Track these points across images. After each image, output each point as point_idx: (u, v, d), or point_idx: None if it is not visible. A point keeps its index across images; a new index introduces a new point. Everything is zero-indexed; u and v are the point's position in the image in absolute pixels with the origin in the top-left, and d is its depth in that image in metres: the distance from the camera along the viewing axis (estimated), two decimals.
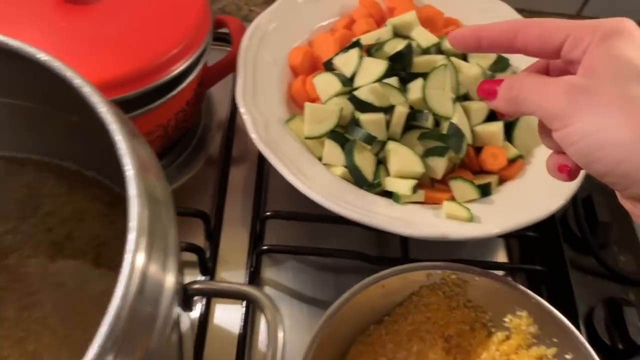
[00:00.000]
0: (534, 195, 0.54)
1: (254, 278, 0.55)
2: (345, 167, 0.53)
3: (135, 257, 0.26)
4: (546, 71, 0.36)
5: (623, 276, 0.59)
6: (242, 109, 0.53)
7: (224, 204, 0.60)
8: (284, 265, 0.58)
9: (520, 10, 0.68)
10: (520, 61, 0.59)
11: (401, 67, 0.56)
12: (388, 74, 0.55)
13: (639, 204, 0.30)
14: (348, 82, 0.56)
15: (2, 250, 0.41)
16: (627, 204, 0.31)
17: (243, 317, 0.51)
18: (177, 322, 0.35)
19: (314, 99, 0.58)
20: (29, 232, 0.42)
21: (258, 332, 0.53)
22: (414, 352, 0.43)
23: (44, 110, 0.38)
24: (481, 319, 0.46)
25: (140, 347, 0.27)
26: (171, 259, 0.30)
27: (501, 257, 0.61)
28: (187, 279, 0.54)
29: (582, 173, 0.53)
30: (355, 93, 0.54)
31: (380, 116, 0.53)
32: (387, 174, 0.54)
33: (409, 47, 0.56)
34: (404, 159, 0.53)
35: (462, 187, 0.53)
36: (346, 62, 0.57)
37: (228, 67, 0.60)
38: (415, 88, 0.54)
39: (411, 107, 0.54)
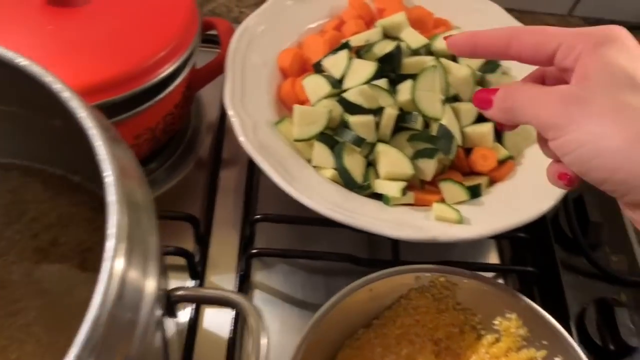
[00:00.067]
0: (525, 196, 0.53)
1: (244, 282, 0.55)
2: (335, 169, 0.53)
3: (113, 264, 0.26)
4: (542, 79, 0.36)
5: (614, 276, 0.58)
6: (230, 112, 0.53)
7: (213, 207, 0.60)
8: (275, 268, 0.57)
9: (510, 10, 0.67)
10: (510, 62, 0.59)
11: (390, 69, 0.56)
12: (377, 75, 0.55)
13: (639, 211, 0.30)
14: (337, 84, 0.56)
15: None
16: (628, 212, 0.31)
17: (233, 322, 0.51)
18: (161, 328, 0.34)
19: (304, 101, 0.57)
20: (13, 238, 0.41)
21: (248, 337, 0.53)
22: (403, 356, 0.43)
23: (26, 114, 0.38)
24: (470, 322, 0.46)
25: (120, 353, 0.26)
26: (152, 265, 0.30)
27: (493, 258, 0.61)
28: (176, 283, 0.55)
29: None
30: (344, 95, 0.54)
31: (369, 118, 0.53)
32: (377, 176, 0.53)
33: (398, 49, 0.56)
34: (393, 161, 0.52)
35: (451, 189, 0.52)
36: (335, 63, 0.57)
37: (217, 69, 0.59)
38: (404, 89, 0.54)
39: (401, 109, 0.54)
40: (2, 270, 0.40)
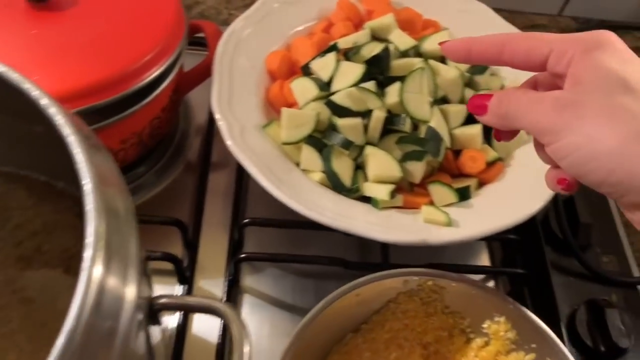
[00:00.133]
0: (514, 197, 0.53)
1: (233, 286, 0.54)
2: (323, 172, 0.52)
3: (91, 273, 0.25)
4: (535, 86, 0.36)
5: (605, 277, 0.58)
6: (217, 115, 0.53)
7: (202, 211, 0.60)
8: (264, 272, 0.57)
9: (500, 10, 0.67)
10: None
11: (379, 71, 0.55)
12: (365, 77, 0.54)
13: (638, 212, 0.30)
14: (325, 86, 0.55)
15: None
16: (627, 213, 0.31)
17: (221, 327, 0.51)
18: (145, 336, 0.34)
19: (292, 104, 0.57)
20: None
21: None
22: None
23: (7, 120, 0.38)
24: (459, 325, 0.45)
25: None
26: (132, 272, 0.29)
27: (484, 260, 0.61)
28: (165, 288, 0.55)
29: None
30: (332, 98, 0.53)
31: (357, 121, 0.53)
32: (366, 179, 0.53)
33: (386, 51, 0.55)
34: (382, 164, 0.52)
35: (440, 191, 0.52)
36: (323, 66, 0.56)
37: (205, 72, 0.59)
38: (392, 92, 0.54)
39: (389, 111, 0.54)
40: None
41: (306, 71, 0.58)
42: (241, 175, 0.61)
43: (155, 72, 0.51)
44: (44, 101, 0.30)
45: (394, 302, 0.45)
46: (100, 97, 0.48)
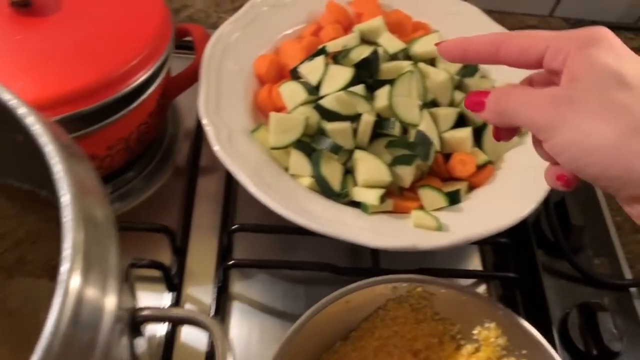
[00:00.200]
0: (504, 201, 0.53)
1: (222, 293, 0.54)
2: (313, 177, 0.52)
3: (69, 284, 0.25)
4: (530, 85, 0.36)
5: (597, 280, 0.58)
6: (204, 120, 0.52)
7: (191, 217, 0.59)
8: (254, 278, 0.56)
9: (491, 12, 0.67)
10: (488, 65, 0.59)
11: (368, 74, 0.55)
12: (354, 81, 0.54)
13: (636, 205, 0.30)
14: (314, 90, 0.55)
15: None
16: (625, 207, 0.32)
17: (210, 336, 0.50)
18: (128, 348, 0.33)
19: (281, 108, 0.57)
20: None
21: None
22: None
23: None
24: (450, 332, 0.45)
25: None
26: (112, 284, 0.29)
27: (475, 263, 0.60)
28: (154, 295, 0.54)
29: None
30: (321, 102, 0.53)
31: (346, 125, 0.52)
32: (355, 183, 0.53)
33: (375, 54, 0.55)
34: (371, 168, 0.52)
35: (430, 195, 0.52)
36: (312, 70, 0.56)
37: (192, 77, 0.58)
38: (382, 95, 0.53)
39: (378, 115, 0.53)
40: None
41: (295, 75, 0.57)
42: (230, 180, 0.61)
43: (141, 77, 0.50)
44: (22, 110, 0.30)
45: (383, 308, 0.44)
46: (85, 103, 0.47)
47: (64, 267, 0.26)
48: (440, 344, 0.44)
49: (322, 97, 0.54)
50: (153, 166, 0.63)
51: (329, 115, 0.52)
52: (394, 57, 0.58)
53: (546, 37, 0.32)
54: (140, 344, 0.38)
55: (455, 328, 0.45)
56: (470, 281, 0.59)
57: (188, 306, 0.54)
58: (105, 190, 0.32)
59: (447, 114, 0.55)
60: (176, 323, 0.48)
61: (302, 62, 0.57)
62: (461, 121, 0.56)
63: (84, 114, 0.47)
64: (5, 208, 0.42)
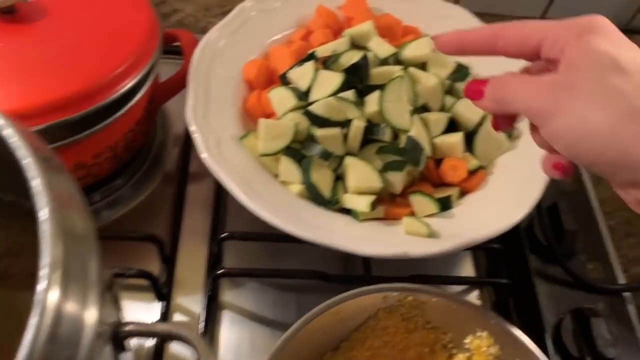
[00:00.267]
0: (496, 206, 0.52)
1: (212, 302, 0.53)
2: (303, 184, 0.51)
3: (46, 299, 0.25)
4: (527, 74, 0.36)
5: (591, 285, 0.58)
6: (192, 127, 0.51)
7: (180, 225, 0.58)
8: (244, 286, 0.56)
9: (483, 14, 0.67)
10: (479, 68, 0.59)
11: (358, 80, 0.54)
12: (344, 86, 0.53)
13: (631, 190, 0.31)
14: (303, 96, 0.54)
15: None
16: (620, 192, 0.32)
17: None
18: None
19: (270, 114, 0.56)
20: None
21: None
22: None
23: None
24: (441, 341, 0.44)
25: None
26: (93, 298, 0.28)
27: (468, 269, 0.60)
28: (143, 304, 0.53)
29: (543, 180, 0.53)
30: (310, 108, 0.52)
31: (336, 131, 0.52)
32: (346, 190, 0.52)
33: (364, 59, 0.54)
34: (361, 175, 0.51)
35: (421, 202, 0.51)
36: (301, 75, 0.55)
37: (181, 83, 0.57)
38: (372, 101, 0.53)
39: (369, 121, 0.53)
40: None
41: (284, 80, 0.57)
42: (220, 186, 0.59)
43: (128, 84, 0.50)
44: None
45: (374, 318, 0.44)
46: (70, 111, 0.47)
47: (41, 285, 0.25)
48: (431, 353, 0.44)
49: (311, 103, 0.53)
50: (142, 173, 0.62)
51: (318, 121, 0.52)
52: (384, 61, 0.57)
53: (544, 27, 0.32)
54: (126, 358, 0.38)
55: (447, 337, 0.44)
56: (463, 287, 0.58)
57: (177, 316, 0.53)
58: (86, 202, 0.31)
59: (438, 119, 0.54)
60: (161, 338, 0.47)
61: (291, 68, 0.56)
62: (452, 126, 0.55)
63: (69, 122, 0.47)
64: None
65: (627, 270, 0.61)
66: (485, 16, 0.67)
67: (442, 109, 0.56)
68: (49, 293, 0.25)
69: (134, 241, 0.55)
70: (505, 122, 0.37)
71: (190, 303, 0.54)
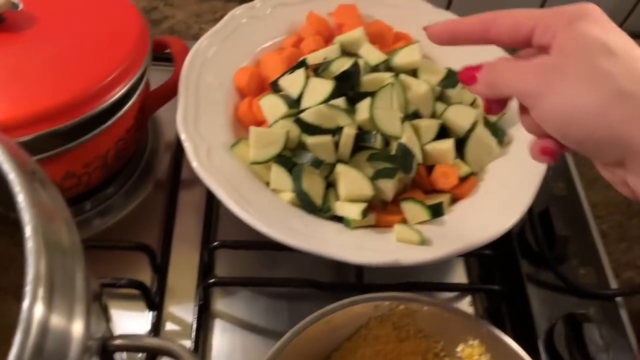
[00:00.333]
0: (488, 213, 0.52)
1: (203, 311, 0.53)
2: (294, 192, 0.51)
3: (32, 314, 0.25)
4: None
5: (583, 290, 0.58)
6: (182, 136, 0.51)
7: (171, 234, 0.58)
8: (236, 294, 0.55)
9: None
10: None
11: (349, 87, 0.54)
12: (335, 94, 0.53)
13: (616, 170, 0.32)
14: (294, 103, 0.54)
15: None
16: (605, 173, 0.33)
17: None
18: None
19: (261, 122, 0.56)
20: None
21: None
22: None
23: None
24: (433, 349, 0.44)
25: None
26: (79, 311, 0.28)
27: (460, 275, 0.60)
28: (134, 313, 0.53)
29: (534, 185, 0.53)
30: (301, 116, 0.52)
31: (327, 139, 0.52)
32: (337, 197, 0.52)
33: (355, 66, 0.54)
34: (352, 182, 0.51)
35: (413, 209, 0.51)
36: (292, 83, 0.55)
37: (171, 91, 0.57)
38: (363, 108, 0.53)
39: (360, 128, 0.53)
40: None
41: (275, 88, 0.57)
42: (211, 194, 0.59)
43: (118, 93, 0.50)
44: None
45: (365, 327, 0.44)
46: (60, 121, 0.47)
47: (26, 301, 0.25)
48: None
49: (302, 111, 0.53)
50: (133, 181, 0.62)
51: (309, 128, 0.52)
52: (375, 69, 0.57)
53: (535, 14, 0.33)
54: None
55: (439, 346, 0.44)
56: (455, 294, 0.58)
57: (169, 325, 0.53)
58: (71, 215, 0.31)
59: (429, 126, 0.54)
60: (150, 353, 0.47)
61: (282, 75, 0.56)
62: (443, 133, 0.55)
63: (58, 132, 0.46)
64: None
65: (619, 275, 0.61)
66: None
67: (433, 115, 0.56)
68: (34, 308, 0.25)
69: (125, 250, 0.54)
70: (497, 106, 0.37)
71: (182, 312, 0.54)
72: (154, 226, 0.59)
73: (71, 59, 0.49)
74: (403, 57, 0.58)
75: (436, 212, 0.51)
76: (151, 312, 0.53)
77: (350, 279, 0.55)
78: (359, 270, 0.55)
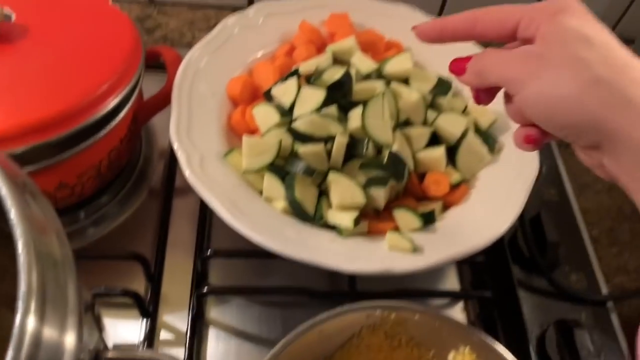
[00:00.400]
0: (479, 220, 0.53)
1: (197, 320, 0.53)
2: (287, 200, 0.51)
3: (24, 327, 0.25)
4: None
5: (574, 295, 0.58)
6: (175, 145, 0.52)
7: (165, 243, 0.58)
8: (230, 303, 0.56)
9: None
10: (461, 85, 0.59)
11: (341, 95, 0.55)
12: (327, 103, 0.54)
13: (594, 153, 0.33)
14: (287, 112, 0.54)
15: None
16: (582, 156, 0.35)
17: None
18: None
19: (254, 131, 0.56)
20: None
21: None
22: None
23: None
24: (425, 357, 0.44)
25: None
26: (71, 323, 0.28)
27: (453, 282, 0.60)
28: (129, 322, 0.53)
29: (525, 192, 0.53)
30: (294, 125, 0.52)
31: (320, 147, 0.52)
32: (330, 206, 0.52)
33: (347, 76, 0.55)
34: (345, 191, 0.51)
35: (405, 216, 0.52)
36: (285, 92, 0.55)
37: (164, 100, 0.58)
38: (355, 117, 0.53)
39: (352, 136, 0.53)
40: None
41: (268, 97, 0.57)
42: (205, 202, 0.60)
43: (111, 104, 0.50)
44: None
45: (357, 336, 0.44)
46: (53, 132, 0.47)
47: (18, 315, 0.25)
48: None
49: (295, 119, 0.53)
50: (127, 189, 0.62)
51: (302, 137, 0.52)
52: (366, 77, 0.58)
53: (520, 9, 0.34)
54: None
55: (430, 353, 0.45)
56: (447, 301, 0.58)
57: (163, 333, 0.53)
58: (62, 226, 0.31)
59: (421, 134, 0.55)
60: None
61: (275, 84, 0.56)
62: (434, 140, 0.56)
63: (51, 143, 0.47)
64: None
65: (609, 280, 0.62)
66: None
67: (425, 123, 0.56)
68: (26, 321, 0.25)
69: (119, 260, 0.55)
70: (486, 95, 0.38)
71: (176, 321, 0.54)
72: (148, 234, 0.60)
73: (64, 69, 0.49)
74: (394, 66, 0.58)
75: (428, 219, 0.52)
76: (145, 321, 0.53)
77: (343, 287, 0.56)
78: (352, 278, 0.56)
